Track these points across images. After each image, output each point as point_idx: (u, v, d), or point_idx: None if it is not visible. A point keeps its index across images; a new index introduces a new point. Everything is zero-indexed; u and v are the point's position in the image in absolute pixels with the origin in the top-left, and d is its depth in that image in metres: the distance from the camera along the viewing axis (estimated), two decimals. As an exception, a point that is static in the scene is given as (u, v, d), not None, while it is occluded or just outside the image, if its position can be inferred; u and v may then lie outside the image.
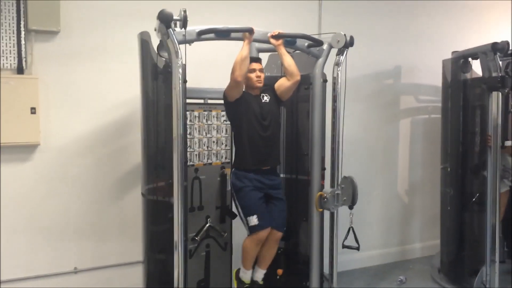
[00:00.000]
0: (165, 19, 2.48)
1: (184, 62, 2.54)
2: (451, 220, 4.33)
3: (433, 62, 4.71)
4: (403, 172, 4.90)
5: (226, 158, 3.58)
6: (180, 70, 2.53)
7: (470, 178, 4.14)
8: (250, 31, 2.82)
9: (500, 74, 3.75)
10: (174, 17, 2.51)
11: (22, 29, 3.20)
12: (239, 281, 3.26)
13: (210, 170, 3.45)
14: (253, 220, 3.04)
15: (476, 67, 4.09)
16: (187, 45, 2.64)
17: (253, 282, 3.23)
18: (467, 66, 4.16)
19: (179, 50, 2.53)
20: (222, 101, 3.14)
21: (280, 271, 3.52)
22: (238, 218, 3.46)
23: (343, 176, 3.21)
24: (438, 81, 4.72)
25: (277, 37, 2.97)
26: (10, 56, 3.20)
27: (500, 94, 3.78)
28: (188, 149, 3.21)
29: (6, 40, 3.18)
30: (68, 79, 3.40)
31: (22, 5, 3.19)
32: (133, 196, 3.64)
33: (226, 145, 3.58)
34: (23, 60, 3.22)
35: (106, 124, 3.54)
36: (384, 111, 4.70)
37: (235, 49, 3.20)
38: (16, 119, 3.16)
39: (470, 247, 4.15)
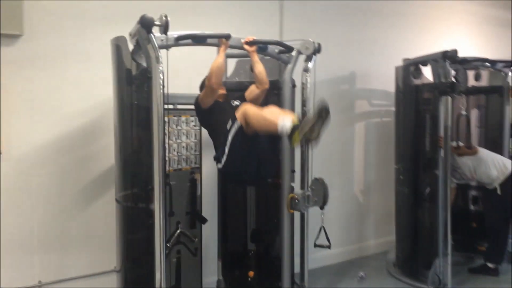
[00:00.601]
0: (146, 24, 2.47)
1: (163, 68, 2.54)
2: (405, 217, 4.58)
3: (385, 68, 4.98)
4: (358, 172, 5.12)
5: (195, 163, 3.58)
6: (161, 76, 2.53)
7: (423, 176, 4.41)
8: (228, 37, 2.86)
9: (450, 80, 4.04)
10: (155, 23, 2.50)
11: (-19, 32, 3.05)
12: (294, 131, 2.59)
13: (180, 176, 3.44)
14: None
15: (427, 73, 4.37)
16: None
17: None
18: (418, 72, 4.44)
19: (160, 56, 2.52)
20: (191, 107, 3.14)
21: (251, 273, 3.58)
22: (209, 223, 3.51)
23: (314, 178, 3.31)
24: (389, 87, 5.00)
25: (251, 43, 3.03)
26: (-31, 60, 3.04)
27: (450, 98, 4.08)
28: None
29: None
30: (30, 84, 3.26)
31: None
32: (98, 205, 3.57)
33: (195, 150, 3.58)
34: (-18, 65, 3.06)
35: (70, 131, 3.43)
36: (341, 115, 4.88)
37: (203, 55, 3.26)
38: (-26, 127, 2.99)
39: (424, 242, 4.41)
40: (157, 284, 2.58)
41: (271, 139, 2.90)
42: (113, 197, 3.45)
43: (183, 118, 3.50)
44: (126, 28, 3.05)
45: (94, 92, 3.47)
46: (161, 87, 2.53)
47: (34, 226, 3.33)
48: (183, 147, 3.52)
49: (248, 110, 2.70)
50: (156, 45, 2.51)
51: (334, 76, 4.81)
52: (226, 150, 2.80)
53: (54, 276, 3.42)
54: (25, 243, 3.31)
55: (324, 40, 3.33)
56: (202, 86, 3.15)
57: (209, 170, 3.76)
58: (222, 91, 3.10)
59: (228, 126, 2.78)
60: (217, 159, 2.88)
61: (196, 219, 3.55)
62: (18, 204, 3.27)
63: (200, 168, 3.58)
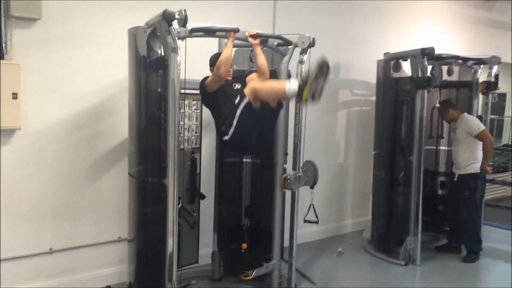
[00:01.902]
0: (168, 18, 2.73)
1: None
2: (381, 199, 5.03)
3: (366, 61, 5.38)
4: (339, 156, 5.52)
5: (196, 144, 3.89)
6: (179, 64, 2.82)
7: (398, 162, 4.84)
8: (237, 31, 3.15)
9: (426, 75, 4.45)
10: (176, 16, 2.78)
11: (3, 15, 3.24)
12: (302, 88, 2.91)
13: (181, 155, 3.73)
14: None
15: (406, 67, 4.78)
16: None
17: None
18: (398, 67, 4.84)
19: (178, 47, 2.81)
20: (192, 91, 3.40)
21: (244, 246, 3.92)
22: (207, 199, 3.83)
23: (306, 161, 3.68)
24: (370, 78, 5.41)
25: (255, 36, 3.33)
26: (-10, 42, 3.23)
27: (426, 91, 4.50)
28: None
29: (-14, 26, 3.20)
30: (46, 65, 3.46)
31: (3, -8, 3.22)
32: (106, 179, 3.83)
33: (196, 132, 3.89)
34: (3, 46, 3.26)
35: (83, 110, 3.66)
36: (325, 103, 5.23)
37: (206, 44, 3.53)
38: (-3, 104, 3.21)
39: (397, 221, 4.86)
40: (169, 248, 2.90)
41: (272, 114, 3.24)
42: (120, 172, 3.78)
43: (186, 102, 3.79)
44: (137, 15, 3.38)
45: (105, 74, 3.71)
46: (178, 74, 2.83)
47: (47, 197, 3.58)
48: (186, 128, 3.83)
49: (255, 85, 3.06)
50: (176, 37, 2.79)
51: (320, 67, 5.15)
52: (234, 122, 3.08)
53: (64, 244, 3.68)
54: (38, 213, 3.55)
55: (312, 32, 3.60)
56: (212, 62, 3.37)
57: (208, 151, 4.08)
58: (229, 77, 3.37)
59: (236, 101, 3.09)
60: (224, 131, 3.15)
61: (195, 195, 3.87)
62: (33, 176, 3.50)
63: (200, 149, 3.90)
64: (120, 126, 3.78)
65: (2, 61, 3.22)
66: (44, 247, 3.61)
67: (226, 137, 3.16)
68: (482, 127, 4.62)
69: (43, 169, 3.55)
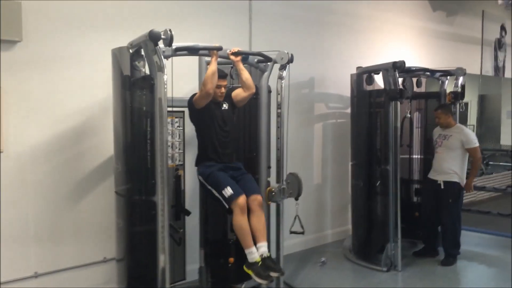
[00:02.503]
0: (154, 38, 2.80)
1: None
2: (360, 208, 5.15)
3: (340, 75, 5.57)
4: (317, 168, 5.64)
5: (179, 160, 3.93)
6: (165, 83, 2.88)
7: (375, 171, 4.99)
8: (220, 49, 3.24)
9: (398, 87, 4.64)
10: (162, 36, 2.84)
11: (-17, 38, 3.23)
12: (251, 265, 3.30)
13: (165, 172, 3.77)
14: (228, 191, 3.30)
15: (378, 80, 4.97)
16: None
17: (263, 258, 3.31)
18: (371, 80, 5.02)
19: (164, 66, 2.87)
20: (176, 109, 3.45)
21: (231, 260, 3.95)
22: (192, 215, 3.86)
23: (289, 173, 3.78)
24: (344, 91, 5.60)
25: (236, 54, 3.43)
26: (-30, 65, 3.21)
27: (398, 103, 4.68)
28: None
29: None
30: (27, 87, 3.46)
31: (-18, 15, 3.22)
32: (90, 199, 3.83)
33: (179, 149, 3.93)
34: (-16, 68, 3.25)
35: (64, 130, 3.66)
36: (301, 116, 5.38)
37: (186, 62, 3.60)
38: (-21, 127, 3.18)
39: (376, 229, 4.99)
40: (161, 264, 2.92)
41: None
42: (104, 191, 3.80)
43: (168, 119, 3.82)
44: (116, 36, 3.49)
45: (86, 94, 3.73)
46: (165, 93, 2.89)
47: (30, 220, 3.54)
48: (169, 145, 3.85)
49: None
50: (162, 56, 2.86)
51: (296, 81, 5.24)
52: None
53: (50, 267, 3.64)
54: (22, 236, 3.51)
55: (287, 48, 3.71)
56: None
57: (192, 167, 4.11)
58: (220, 98, 3.50)
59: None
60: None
61: (180, 211, 3.89)
62: (15, 199, 3.47)
63: (183, 165, 3.93)
64: (102, 146, 3.80)
65: (-18, 84, 3.21)
66: (29, 271, 3.56)
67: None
68: (478, 144, 4.81)
69: (26, 191, 3.52)
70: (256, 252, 3.32)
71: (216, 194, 3.37)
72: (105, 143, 3.77)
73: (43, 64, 3.53)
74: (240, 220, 3.30)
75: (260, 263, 3.28)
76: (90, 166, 3.80)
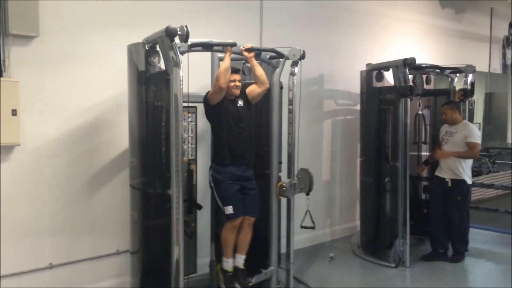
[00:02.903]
0: (170, 34, 2.84)
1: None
2: (369, 204, 5.19)
3: (349, 71, 5.59)
4: (326, 164, 5.68)
5: (191, 155, 3.97)
6: (181, 78, 2.92)
7: (384, 168, 5.02)
8: (234, 45, 3.28)
9: (409, 84, 4.66)
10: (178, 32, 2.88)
11: (1, 33, 3.28)
12: (224, 272, 3.65)
13: (179, 167, 3.82)
14: (229, 209, 3.50)
15: (388, 77, 4.99)
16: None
17: (235, 268, 3.65)
18: (380, 76, 5.04)
19: (180, 61, 2.91)
20: (189, 104, 3.45)
21: (242, 253, 4.01)
22: (203, 209, 3.91)
23: (300, 168, 3.81)
24: (353, 88, 5.62)
25: (249, 50, 3.47)
26: (-12, 60, 3.26)
27: (408, 100, 4.71)
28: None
29: (-16, 44, 3.24)
30: (42, 82, 3.51)
31: (0, 10, 3.26)
32: (104, 193, 3.89)
33: (191, 144, 3.97)
34: (1, 63, 3.29)
35: (80, 125, 3.72)
36: (311, 113, 5.41)
37: (202, 58, 3.66)
38: (-3, 121, 3.23)
39: (385, 225, 5.03)
40: (175, 256, 2.97)
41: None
42: (118, 185, 3.86)
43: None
44: (132, 32, 3.52)
45: (101, 90, 3.78)
46: (181, 88, 2.93)
47: (45, 212, 3.59)
48: (182, 141, 3.89)
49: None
50: (178, 52, 2.90)
51: (305, 78, 5.27)
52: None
53: (64, 258, 3.70)
54: (37, 229, 3.57)
55: (297, 45, 3.74)
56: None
57: (204, 162, 4.17)
58: (236, 92, 3.55)
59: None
60: None
61: (192, 205, 3.94)
62: (31, 192, 3.53)
63: (196, 160, 3.98)
64: (116, 140, 3.85)
65: (1, 78, 3.26)
66: (44, 263, 3.62)
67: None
68: (479, 141, 4.75)
69: (42, 184, 3.58)
70: (231, 263, 3.65)
71: (219, 204, 3.57)
72: (119, 138, 3.82)
73: (59, 60, 3.58)
74: (228, 234, 3.59)
75: (231, 273, 3.63)
76: (105, 160, 3.85)
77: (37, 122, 3.51)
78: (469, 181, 4.82)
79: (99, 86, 3.77)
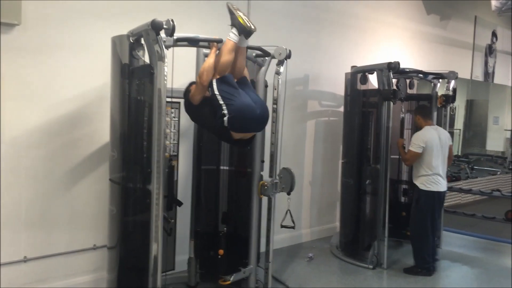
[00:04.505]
0: (156, 27, 2.80)
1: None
2: (349, 205, 5.22)
3: (334, 73, 5.62)
4: (308, 165, 5.69)
5: (173, 151, 3.93)
6: (165, 73, 2.88)
7: (365, 170, 5.05)
8: (220, 41, 3.25)
9: (392, 88, 4.70)
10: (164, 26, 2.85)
11: (-19, 19, 3.20)
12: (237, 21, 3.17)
13: (160, 162, 3.78)
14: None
15: (372, 80, 5.02)
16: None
17: None
18: (365, 79, 5.07)
19: (165, 55, 2.88)
20: (173, 99, 3.38)
21: (221, 251, 3.99)
22: (183, 206, 3.86)
23: (282, 168, 3.81)
24: (337, 90, 5.65)
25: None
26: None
27: (391, 103, 4.74)
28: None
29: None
30: (24, 71, 3.44)
31: (-19, -4, 3.19)
32: (83, 186, 3.82)
33: (174, 140, 3.93)
34: (-20, 50, 3.22)
35: (60, 116, 3.64)
36: (294, 113, 5.42)
37: (187, 52, 3.62)
38: (-26, 110, 3.15)
39: (364, 227, 5.07)
40: (153, 252, 2.94)
41: (246, 85, 3.30)
42: (97, 179, 3.80)
43: (165, 110, 3.84)
44: (116, 24, 3.53)
45: (83, 81, 3.72)
46: (164, 82, 2.89)
47: (22, 204, 3.52)
48: (164, 136, 3.86)
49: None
50: (163, 46, 2.86)
51: (291, 78, 5.29)
52: (222, 102, 3.06)
53: (39, 252, 3.63)
54: (13, 220, 3.49)
55: (284, 44, 3.71)
56: (186, 93, 3.43)
57: (185, 158, 4.14)
58: None
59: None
60: (221, 117, 3.07)
61: (173, 202, 3.90)
62: (8, 183, 3.45)
63: (177, 156, 3.94)
64: (97, 133, 3.80)
65: (-20, 66, 3.18)
66: (18, 256, 3.54)
67: (226, 117, 3.05)
68: (413, 148, 4.56)
69: (19, 176, 3.50)
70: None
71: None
72: (100, 131, 3.77)
73: (42, 49, 3.51)
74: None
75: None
76: (85, 153, 3.79)
77: (16, 112, 3.43)
78: (421, 186, 4.59)
79: (82, 77, 3.71)
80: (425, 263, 4.66)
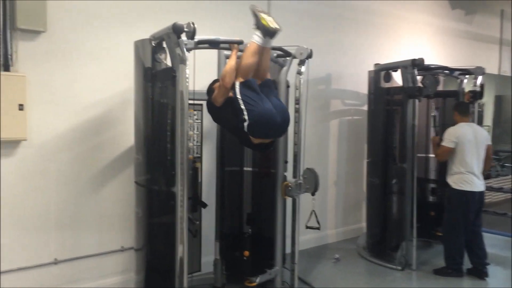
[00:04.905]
0: (177, 30, 2.83)
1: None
2: (375, 205, 5.15)
3: (357, 71, 5.56)
4: (332, 165, 5.64)
5: (197, 153, 3.95)
6: (187, 76, 2.90)
7: (391, 169, 4.98)
8: (241, 42, 3.24)
9: (417, 85, 4.62)
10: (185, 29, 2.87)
11: (8, 27, 3.28)
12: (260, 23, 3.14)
13: (184, 164, 3.80)
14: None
15: (396, 77, 4.95)
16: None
17: None
18: (389, 77, 5.00)
19: (187, 58, 2.89)
20: (195, 101, 3.41)
21: (246, 253, 3.99)
22: (208, 207, 3.87)
23: (306, 168, 3.78)
24: (360, 88, 5.59)
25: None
26: (-4, 54, 3.27)
27: (417, 101, 4.66)
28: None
29: (-8, 38, 3.24)
30: (49, 77, 3.52)
31: (8, 5, 3.27)
32: (110, 189, 3.88)
33: (197, 142, 3.95)
34: (9, 57, 3.30)
35: (86, 121, 3.72)
36: (318, 112, 5.39)
37: (208, 54, 3.62)
38: (4, 115, 3.23)
39: (392, 227, 4.99)
40: (179, 254, 2.95)
41: (269, 88, 3.22)
42: (123, 181, 3.86)
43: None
44: (139, 28, 3.51)
45: (107, 86, 3.78)
46: (186, 84, 2.91)
47: (51, 207, 3.60)
48: (187, 138, 3.88)
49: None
50: (185, 49, 2.88)
51: (312, 77, 5.23)
52: (243, 107, 3.02)
53: (69, 254, 3.70)
54: (43, 223, 3.57)
55: (305, 44, 3.70)
56: (209, 91, 3.40)
57: (209, 160, 4.15)
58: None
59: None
60: (242, 122, 3.04)
61: (197, 203, 3.92)
62: (37, 187, 3.53)
63: (201, 158, 3.96)
64: (122, 136, 3.85)
65: (8, 72, 3.27)
66: (49, 258, 3.62)
67: (246, 123, 3.02)
68: (444, 143, 4.46)
69: (48, 179, 3.58)
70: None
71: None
72: (125, 134, 3.82)
73: (66, 55, 3.58)
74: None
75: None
76: (110, 156, 3.85)
77: (43, 117, 3.51)
78: (453, 185, 4.44)
79: (106, 81, 3.77)
80: (455, 264, 4.54)
